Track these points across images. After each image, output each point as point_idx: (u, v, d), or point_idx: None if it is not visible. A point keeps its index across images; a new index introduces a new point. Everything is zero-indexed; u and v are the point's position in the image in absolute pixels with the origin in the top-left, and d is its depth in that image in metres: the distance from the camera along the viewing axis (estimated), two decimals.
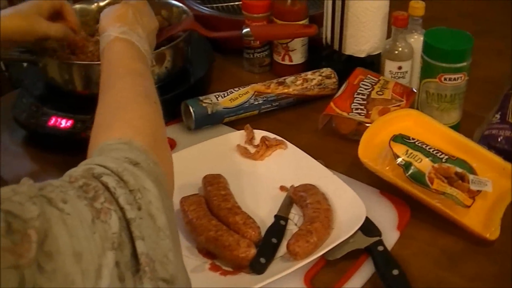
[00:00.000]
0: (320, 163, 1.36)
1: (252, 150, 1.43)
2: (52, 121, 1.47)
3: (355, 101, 1.48)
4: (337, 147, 1.48)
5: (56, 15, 1.45)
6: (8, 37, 1.33)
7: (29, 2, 1.39)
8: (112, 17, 1.25)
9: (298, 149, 1.40)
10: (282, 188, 1.34)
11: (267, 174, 1.38)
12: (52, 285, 0.67)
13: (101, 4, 1.68)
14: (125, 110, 1.01)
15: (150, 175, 0.85)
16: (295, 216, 1.27)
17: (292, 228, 1.24)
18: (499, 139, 1.39)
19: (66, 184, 0.77)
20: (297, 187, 1.30)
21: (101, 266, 0.72)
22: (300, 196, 1.27)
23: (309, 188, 1.28)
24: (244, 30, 1.61)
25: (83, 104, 1.47)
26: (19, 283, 0.64)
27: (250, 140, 1.44)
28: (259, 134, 1.45)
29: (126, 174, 0.82)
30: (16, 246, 0.65)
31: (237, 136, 1.46)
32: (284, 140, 1.43)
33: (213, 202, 1.25)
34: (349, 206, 1.25)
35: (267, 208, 1.29)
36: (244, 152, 1.42)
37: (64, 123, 1.46)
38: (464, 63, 1.40)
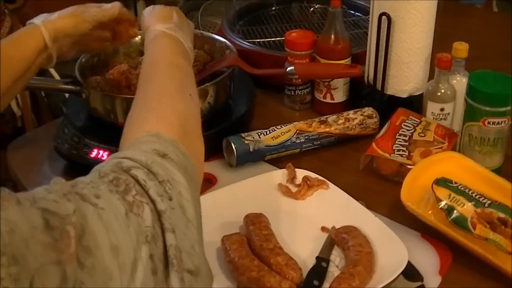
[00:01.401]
0: (362, 204, 1.36)
1: (293, 189, 1.43)
2: (94, 153, 1.48)
3: (397, 142, 1.48)
4: (378, 188, 1.47)
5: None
6: (63, 33, 1.36)
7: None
8: (158, 16, 1.29)
9: (339, 189, 1.40)
10: (323, 229, 1.33)
11: (308, 214, 1.38)
12: (93, 280, 0.67)
13: None
14: (157, 102, 1.02)
15: (179, 167, 0.86)
16: (336, 258, 1.27)
17: (333, 270, 1.24)
18: None
19: (96, 179, 0.78)
20: (338, 228, 1.30)
21: (137, 259, 0.73)
22: (342, 238, 1.27)
23: (351, 230, 1.28)
24: (288, 68, 1.62)
25: None
26: (62, 280, 0.64)
27: (292, 179, 1.44)
28: (301, 173, 1.45)
29: (155, 166, 0.83)
30: (57, 242, 0.65)
31: (279, 175, 1.46)
32: (326, 180, 1.43)
33: (255, 242, 1.24)
34: (391, 250, 1.24)
35: (308, 249, 1.28)
36: (286, 191, 1.42)
37: (106, 155, 1.47)
38: (508, 107, 1.39)
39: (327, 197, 1.40)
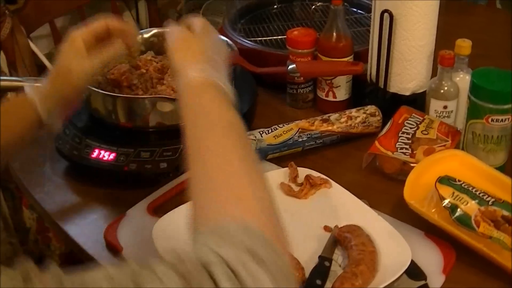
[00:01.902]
0: (364, 203, 1.35)
1: (296, 188, 1.42)
2: (95, 153, 1.48)
3: (399, 140, 1.47)
4: (381, 187, 1.46)
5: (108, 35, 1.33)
6: (65, 96, 1.28)
7: (64, 45, 1.28)
8: (189, 53, 1.15)
9: (342, 188, 1.39)
10: (326, 228, 1.32)
11: (310, 213, 1.37)
12: None
13: (146, 36, 1.69)
14: (232, 181, 0.90)
15: (270, 272, 0.76)
16: (339, 257, 1.26)
17: (336, 269, 1.23)
18: None
19: (169, 271, 0.73)
20: (341, 227, 1.29)
21: None
22: (344, 237, 1.26)
23: (354, 229, 1.27)
24: (290, 66, 1.61)
25: (126, 137, 1.49)
26: None
27: (294, 178, 1.44)
28: (303, 172, 1.44)
29: (243, 271, 0.74)
30: None
31: (281, 174, 1.45)
32: (328, 179, 1.42)
33: None
34: (395, 249, 1.23)
35: (311, 248, 1.28)
36: (288, 190, 1.41)
37: (107, 156, 1.47)
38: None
39: (330, 196, 1.39)
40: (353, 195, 1.37)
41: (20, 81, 1.37)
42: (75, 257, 1.44)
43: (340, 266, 1.24)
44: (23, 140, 1.28)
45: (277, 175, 1.45)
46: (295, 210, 1.37)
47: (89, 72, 1.26)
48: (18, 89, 1.35)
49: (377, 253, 1.22)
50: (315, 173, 1.44)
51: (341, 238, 1.27)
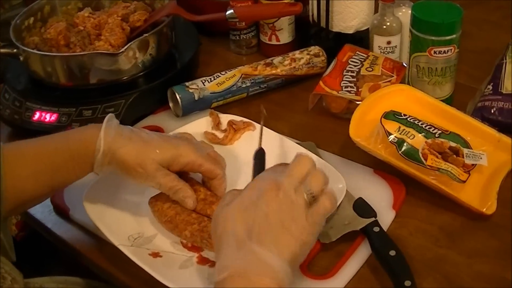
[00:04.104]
0: (310, 144, 1.34)
1: (220, 135, 1.40)
2: (37, 116, 1.45)
3: (344, 79, 1.46)
4: (329, 127, 1.45)
5: None
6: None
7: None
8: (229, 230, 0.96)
9: (267, 129, 1.36)
10: None
11: (239, 158, 1.35)
12: None
13: None
14: None
15: None
16: None
17: None
18: (492, 111, 1.37)
19: None
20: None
21: None
22: None
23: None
24: (228, 12, 1.58)
25: (67, 97, 1.47)
26: None
27: (217, 125, 1.41)
28: (225, 118, 1.42)
29: None
30: None
31: (203, 123, 1.42)
32: (251, 121, 1.40)
33: None
34: (330, 180, 1.21)
35: None
36: (213, 138, 1.38)
37: (49, 117, 1.44)
38: (454, 35, 1.36)
39: (255, 138, 1.35)
40: (278, 134, 1.35)
41: None
42: (30, 226, 1.42)
43: None
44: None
45: (199, 124, 1.42)
46: (223, 156, 1.33)
47: (152, 184, 1.16)
48: None
49: None
50: (237, 118, 1.41)
51: None
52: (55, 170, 1.12)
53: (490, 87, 1.42)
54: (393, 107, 1.31)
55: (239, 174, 1.31)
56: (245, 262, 0.91)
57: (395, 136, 1.25)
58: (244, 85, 1.52)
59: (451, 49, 1.37)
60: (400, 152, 1.23)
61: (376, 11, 1.57)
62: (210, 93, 1.49)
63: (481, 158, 1.23)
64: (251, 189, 0.99)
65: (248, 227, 0.94)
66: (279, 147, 1.33)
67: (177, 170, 1.17)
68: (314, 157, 1.26)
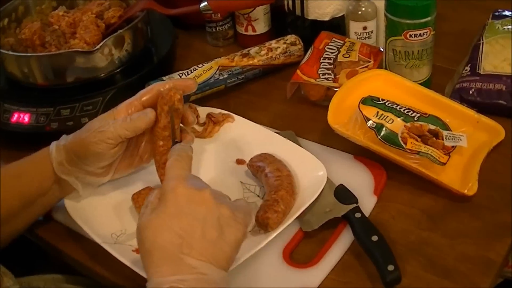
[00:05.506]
0: (290, 133, 1.34)
1: (199, 128, 1.39)
2: (15, 117, 1.44)
3: (321, 66, 1.45)
4: (308, 115, 1.45)
5: None
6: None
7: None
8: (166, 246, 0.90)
9: (246, 120, 1.37)
10: (239, 161, 1.31)
11: (220, 150, 1.35)
12: None
13: None
14: None
15: None
16: (256, 188, 1.25)
17: (255, 200, 1.22)
18: (470, 92, 1.37)
19: None
20: (252, 158, 1.27)
21: None
22: (257, 167, 1.24)
23: (265, 157, 1.25)
24: (202, 4, 1.57)
25: (45, 97, 1.47)
26: None
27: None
28: (204, 111, 1.41)
29: None
30: None
31: None
32: (230, 113, 1.40)
33: None
34: (309, 168, 1.22)
35: (227, 183, 1.26)
36: (192, 132, 1.37)
37: (27, 118, 1.43)
38: (429, 18, 1.36)
39: (235, 129, 1.36)
40: (257, 124, 1.36)
41: None
42: None
43: (258, 196, 1.23)
44: (42, 197, 1.19)
45: None
46: (203, 149, 1.34)
47: (111, 141, 1.14)
48: None
49: (293, 176, 1.21)
50: (215, 110, 1.41)
51: (254, 169, 1.25)
52: (17, 176, 1.17)
53: (467, 68, 1.42)
54: (371, 92, 1.31)
55: (222, 167, 1.31)
56: (182, 277, 0.88)
57: (373, 121, 1.25)
58: (221, 77, 1.51)
59: (426, 32, 1.37)
60: (379, 137, 1.23)
61: None
62: None
63: (460, 139, 1.23)
64: (173, 194, 0.94)
65: (178, 238, 0.90)
66: (259, 137, 1.33)
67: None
68: (289, 143, 1.27)
